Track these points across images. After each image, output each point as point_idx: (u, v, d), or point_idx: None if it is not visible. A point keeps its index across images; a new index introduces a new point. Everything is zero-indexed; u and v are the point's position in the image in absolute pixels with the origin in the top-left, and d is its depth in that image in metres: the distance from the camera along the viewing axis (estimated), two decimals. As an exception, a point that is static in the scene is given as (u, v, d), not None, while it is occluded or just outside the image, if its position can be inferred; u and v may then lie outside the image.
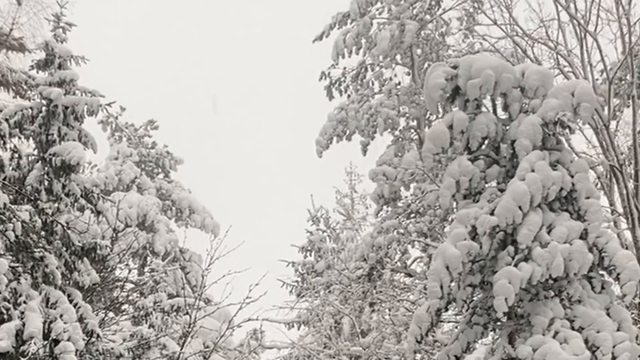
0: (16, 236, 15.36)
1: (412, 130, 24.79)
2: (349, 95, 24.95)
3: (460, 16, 24.22)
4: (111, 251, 18.44)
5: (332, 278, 26.11)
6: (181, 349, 18.58)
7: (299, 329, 27.65)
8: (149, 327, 20.49)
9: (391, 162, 23.89)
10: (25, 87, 18.16)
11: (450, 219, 22.28)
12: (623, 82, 20.20)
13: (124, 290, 21.82)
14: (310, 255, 29.36)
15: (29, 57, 20.24)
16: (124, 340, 19.31)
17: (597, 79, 19.85)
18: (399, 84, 24.88)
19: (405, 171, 22.89)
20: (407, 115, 24.48)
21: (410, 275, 23.24)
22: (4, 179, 16.17)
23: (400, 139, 24.37)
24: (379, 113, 23.84)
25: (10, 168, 16.46)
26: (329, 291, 26.28)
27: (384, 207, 23.67)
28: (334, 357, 23.55)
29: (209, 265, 18.61)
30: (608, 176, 19.48)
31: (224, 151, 60.47)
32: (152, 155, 29.20)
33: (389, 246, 22.95)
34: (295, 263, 29.19)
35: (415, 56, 24.68)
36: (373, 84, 25.12)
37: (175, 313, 21.38)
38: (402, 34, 23.32)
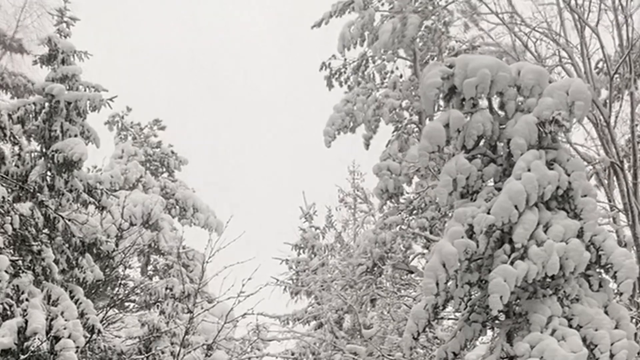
0: (14, 229, 15.42)
1: (414, 125, 24.79)
2: (349, 87, 24.92)
3: (462, 8, 24.23)
4: (117, 247, 18.52)
5: (333, 273, 26.11)
6: (181, 345, 18.64)
7: (293, 325, 27.64)
8: (159, 314, 20.56)
9: (396, 156, 23.92)
10: (23, 90, 18.26)
11: (450, 215, 22.32)
12: (619, 74, 20.15)
13: (127, 287, 21.88)
14: (304, 252, 29.22)
15: (28, 59, 20.41)
16: (128, 338, 19.41)
17: (595, 68, 19.88)
18: (401, 76, 24.86)
19: (409, 165, 22.91)
20: (410, 107, 24.46)
21: (411, 272, 23.25)
22: (5, 173, 16.23)
23: (403, 133, 24.37)
24: (384, 105, 23.84)
25: (12, 162, 16.50)
26: (331, 284, 26.26)
27: (387, 202, 23.69)
28: (336, 352, 23.54)
29: (209, 257, 18.70)
30: (608, 172, 19.47)
31: (226, 150, 60.57)
32: (157, 155, 29.23)
33: (393, 242, 22.99)
34: (288, 260, 29.07)
35: (417, 49, 24.64)
36: (374, 77, 25.13)
37: (186, 298, 21.48)
38: (404, 27, 23.29)
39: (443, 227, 22.62)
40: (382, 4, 24.59)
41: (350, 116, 24.14)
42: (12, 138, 16.33)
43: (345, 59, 24.97)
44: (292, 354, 24.95)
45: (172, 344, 19.99)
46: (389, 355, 21.50)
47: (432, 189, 22.17)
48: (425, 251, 23.39)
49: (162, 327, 19.86)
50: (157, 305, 21.03)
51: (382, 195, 23.63)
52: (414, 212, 23.45)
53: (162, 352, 19.79)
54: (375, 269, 23.04)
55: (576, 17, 19.67)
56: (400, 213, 23.46)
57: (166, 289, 21.47)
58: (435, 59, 24.66)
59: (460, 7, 24.02)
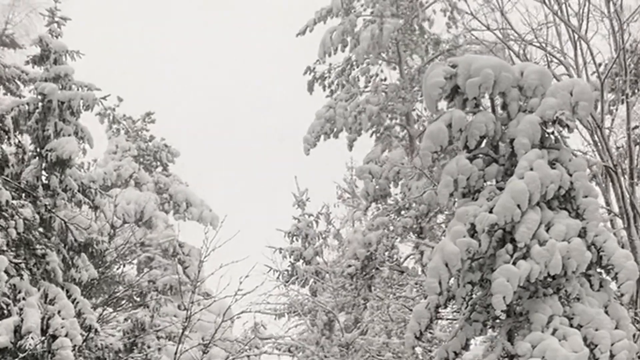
0: (18, 233, 15.39)
1: (400, 127, 24.85)
2: (332, 91, 25.06)
3: (444, 8, 24.29)
4: (109, 246, 18.46)
5: (322, 271, 26.04)
6: (179, 343, 18.57)
7: (289, 319, 27.48)
8: (143, 308, 20.47)
9: (378, 159, 24.07)
10: (18, 82, 18.09)
11: (433, 215, 22.51)
12: (618, 78, 20.12)
13: (124, 285, 21.78)
14: (297, 240, 28.79)
15: (20, 53, 20.26)
16: (123, 334, 19.34)
17: (591, 73, 19.86)
18: (385, 79, 25.03)
19: (390, 168, 23.05)
20: (395, 111, 24.51)
21: (402, 272, 23.26)
22: (6, 176, 16.17)
23: (388, 137, 24.47)
24: (364, 110, 23.95)
25: (12, 164, 16.44)
26: (322, 285, 26.19)
27: (372, 204, 23.84)
28: (325, 352, 23.53)
29: (205, 256, 18.60)
30: (603, 176, 19.47)
31: (221, 144, 60.49)
32: (150, 149, 28.98)
33: (379, 242, 23.02)
34: (282, 249, 28.68)
35: (401, 52, 24.77)
36: (359, 80, 25.26)
37: (170, 291, 21.30)
38: (381, 33, 23.52)
39: (430, 227, 22.78)
40: (365, 9, 24.80)
41: (332, 122, 24.28)
42: (16, 142, 16.33)
43: (330, 64, 25.19)
44: (290, 349, 24.86)
45: (158, 338, 19.92)
46: (379, 355, 21.50)
47: (416, 189, 22.28)
48: (415, 251, 23.44)
49: (147, 321, 19.78)
50: (142, 298, 20.98)
51: (367, 199, 23.82)
52: (401, 212, 23.52)
53: (149, 347, 19.75)
54: (367, 269, 23.07)
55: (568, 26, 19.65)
56: (388, 214, 23.56)
57: (149, 282, 21.38)
58: (413, 53, 24.80)
59: (441, 5, 24.14)
